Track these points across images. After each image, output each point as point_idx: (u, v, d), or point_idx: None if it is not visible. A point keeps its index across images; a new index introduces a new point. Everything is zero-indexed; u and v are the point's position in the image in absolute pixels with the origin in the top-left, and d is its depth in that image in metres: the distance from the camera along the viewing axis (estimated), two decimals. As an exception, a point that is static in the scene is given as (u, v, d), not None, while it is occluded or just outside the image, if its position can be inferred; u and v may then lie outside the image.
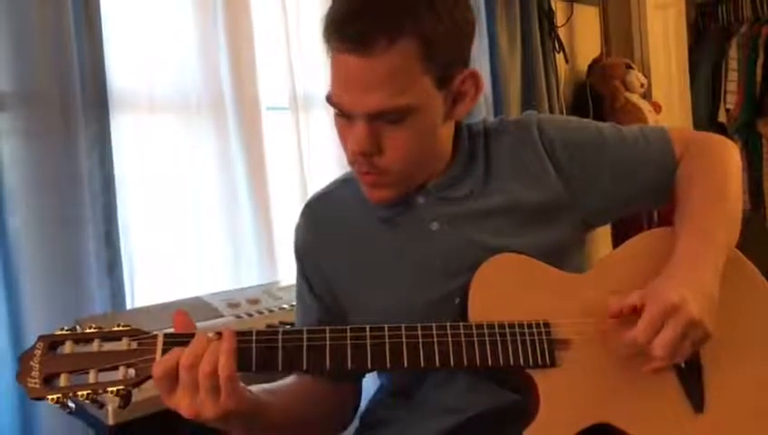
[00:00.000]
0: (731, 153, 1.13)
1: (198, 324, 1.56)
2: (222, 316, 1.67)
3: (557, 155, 1.09)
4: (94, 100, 1.73)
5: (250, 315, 1.70)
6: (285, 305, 1.74)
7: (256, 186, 2.07)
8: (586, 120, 1.19)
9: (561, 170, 1.09)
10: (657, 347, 0.90)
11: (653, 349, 0.91)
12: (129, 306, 1.78)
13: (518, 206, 1.07)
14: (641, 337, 0.91)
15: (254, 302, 1.77)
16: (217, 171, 2.02)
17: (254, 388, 0.97)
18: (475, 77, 1.03)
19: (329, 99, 1.00)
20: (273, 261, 2.08)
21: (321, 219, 1.16)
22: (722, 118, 3.51)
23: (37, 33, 1.64)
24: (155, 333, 0.89)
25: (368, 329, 0.92)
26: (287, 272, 1.96)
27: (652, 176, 1.12)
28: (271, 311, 1.74)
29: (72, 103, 1.68)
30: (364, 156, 1.00)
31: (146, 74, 1.90)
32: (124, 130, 1.83)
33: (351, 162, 1.04)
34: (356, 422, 1.19)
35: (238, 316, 1.69)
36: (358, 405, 1.18)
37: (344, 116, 1.00)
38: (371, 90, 0.94)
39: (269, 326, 1.65)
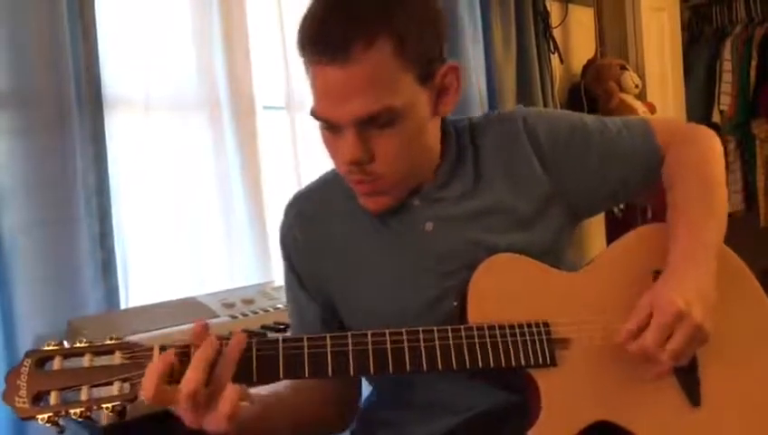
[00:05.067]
0: (713, 142, 1.14)
1: (193, 325, 1.59)
2: (217, 316, 1.67)
3: (542, 148, 1.09)
4: (89, 99, 1.72)
5: (245, 315, 1.70)
6: (280, 305, 1.74)
7: (251, 185, 2.06)
8: (571, 112, 1.19)
9: (546, 163, 1.09)
10: (665, 354, 0.92)
11: (661, 355, 0.92)
12: (123, 306, 1.77)
13: (508, 205, 1.07)
14: (652, 346, 0.91)
15: (249, 302, 1.76)
16: (212, 171, 2.02)
17: (255, 391, 0.96)
18: (455, 69, 1.02)
19: (314, 114, 0.99)
20: (268, 261, 2.08)
21: (308, 215, 1.15)
22: (716, 119, 3.53)
23: (32, 33, 1.63)
24: (150, 345, 0.86)
25: (369, 334, 0.92)
26: (282, 272, 1.96)
27: (637, 166, 1.13)
28: (266, 311, 1.74)
29: (67, 103, 1.68)
30: (357, 165, 0.98)
31: (141, 74, 1.89)
32: (119, 130, 1.82)
33: (344, 173, 1.03)
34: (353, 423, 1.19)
35: (233, 316, 1.68)
36: (358, 404, 1.18)
37: (331, 128, 0.99)
38: (355, 96, 0.93)
39: (264, 327, 1.64)
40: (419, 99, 0.98)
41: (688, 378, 1.00)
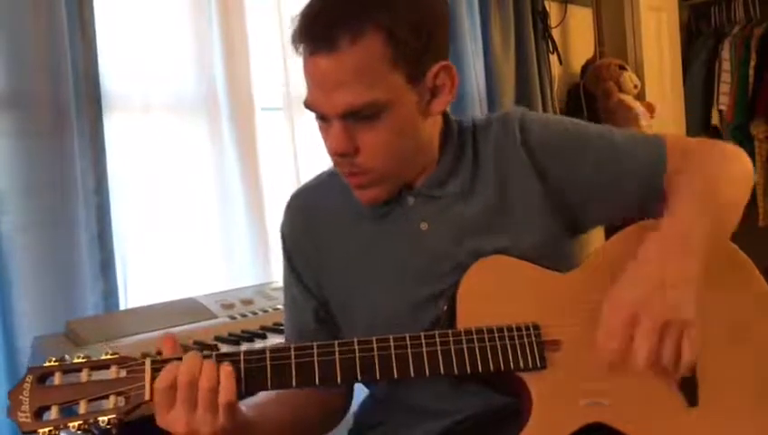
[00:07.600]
0: (733, 159, 1.06)
1: (192, 326, 1.60)
2: (216, 317, 1.67)
3: (537, 156, 1.08)
4: (87, 100, 1.72)
5: (244, 316, 1.70)
6: (279, 306, 1.73)
7: (250, 186, 2.07)
8: (578, 121, 1.15)
9: (541, 171, 1.08)
10: (639, 361, 0.86)
11: (635, 360, 0.86)
12: (122, 307, 1.78)
13: (501, 207, 1.07)
14: (613, 356, 0.87)
15: (248, 302, 1.77)
16: (211, 172, 2.02)
17: (241, 402, 0.97)
18: (448, 69, 1.02)
19: (305, 103, 1.01)
20: (267, 261, 2.08)
21: (308, 211, 1.16)
22: (714, 119, 3.53)
23: (31, 34, 1.64)
24: (142, 359, 0.90)
25: (356, 342, 0.93)
26: (281, 272, 1.96)
27: (637, 185, 1.07)
28: (265, 311, 1.74)
29: (66, 104, 1.68)
30: (343, 156, 1.00)
31: (139, 75, 1.89)
32: (118, 131, 1.83)
33: (335, 164, 1.05)
34: (349, 425, 1.19)
35: (232, 317, 1.69)
36: (349, 406, 1.18)
37: (322, 118, 1.01)
38: (340, 87, 0.95)
39: (263, 328, 1.65)
40: (407, 97, 0.99)
41: (686, 378, 0.97)
